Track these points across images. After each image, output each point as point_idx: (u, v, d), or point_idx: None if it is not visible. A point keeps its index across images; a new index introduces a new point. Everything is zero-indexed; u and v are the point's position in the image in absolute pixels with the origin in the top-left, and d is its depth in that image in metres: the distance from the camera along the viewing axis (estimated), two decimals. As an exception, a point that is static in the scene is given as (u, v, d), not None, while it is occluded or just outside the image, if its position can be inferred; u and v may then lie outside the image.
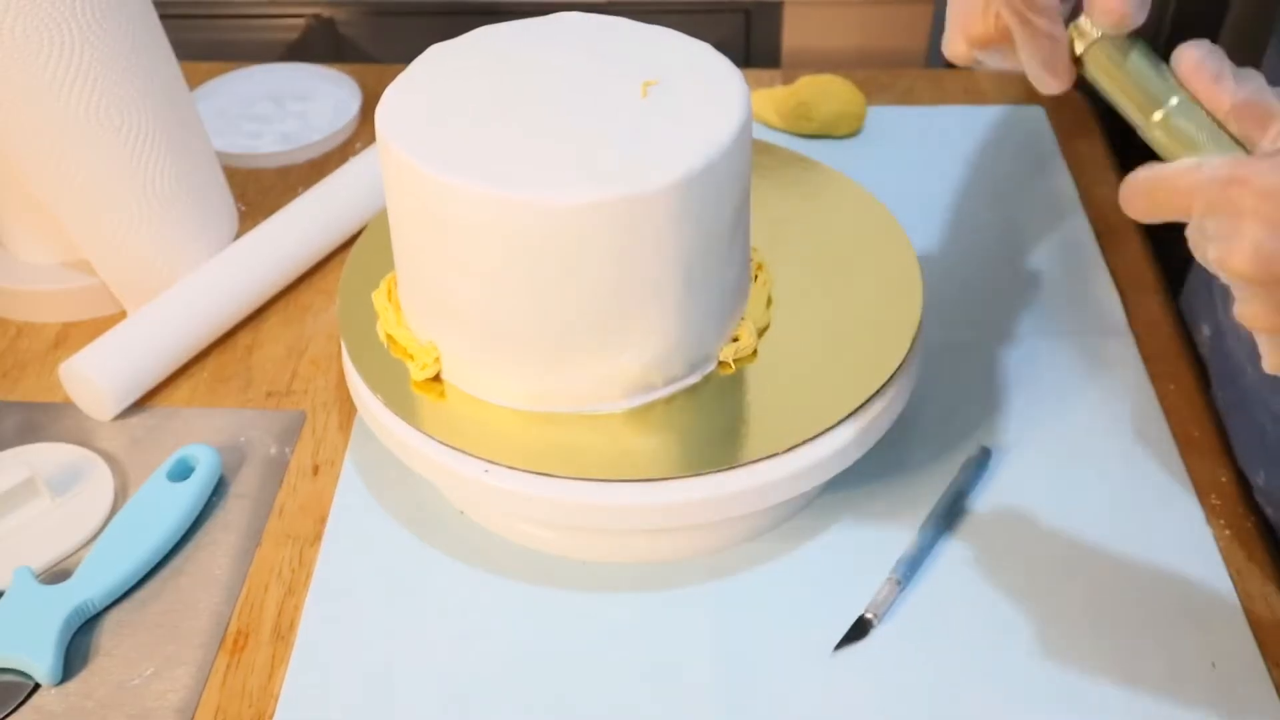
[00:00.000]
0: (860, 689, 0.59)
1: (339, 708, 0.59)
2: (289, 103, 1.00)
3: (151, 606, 0.64)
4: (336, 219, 0.85)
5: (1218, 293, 0.70)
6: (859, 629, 0.61)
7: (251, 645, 0.62)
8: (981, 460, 0.68)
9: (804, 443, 0.61)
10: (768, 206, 0.73)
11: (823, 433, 0.61)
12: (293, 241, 0.82)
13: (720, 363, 0.65)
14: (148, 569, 0.65)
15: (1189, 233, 0.45)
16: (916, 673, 0.60)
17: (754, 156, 0.63)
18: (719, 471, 0.60)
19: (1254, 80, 0.45)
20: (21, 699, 0.60)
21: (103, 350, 0.74)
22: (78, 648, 0.62)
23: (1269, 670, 0.59)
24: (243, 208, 0.89)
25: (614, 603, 0.63)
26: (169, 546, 0.66)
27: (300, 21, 1.16)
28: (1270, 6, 0.67)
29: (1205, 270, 0.45)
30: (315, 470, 0.71)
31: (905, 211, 0.78)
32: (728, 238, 0.61)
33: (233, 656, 0.62)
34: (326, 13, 1.16)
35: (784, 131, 0.96)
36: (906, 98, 1.00)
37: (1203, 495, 0.67)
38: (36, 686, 0.60)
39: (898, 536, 0.65)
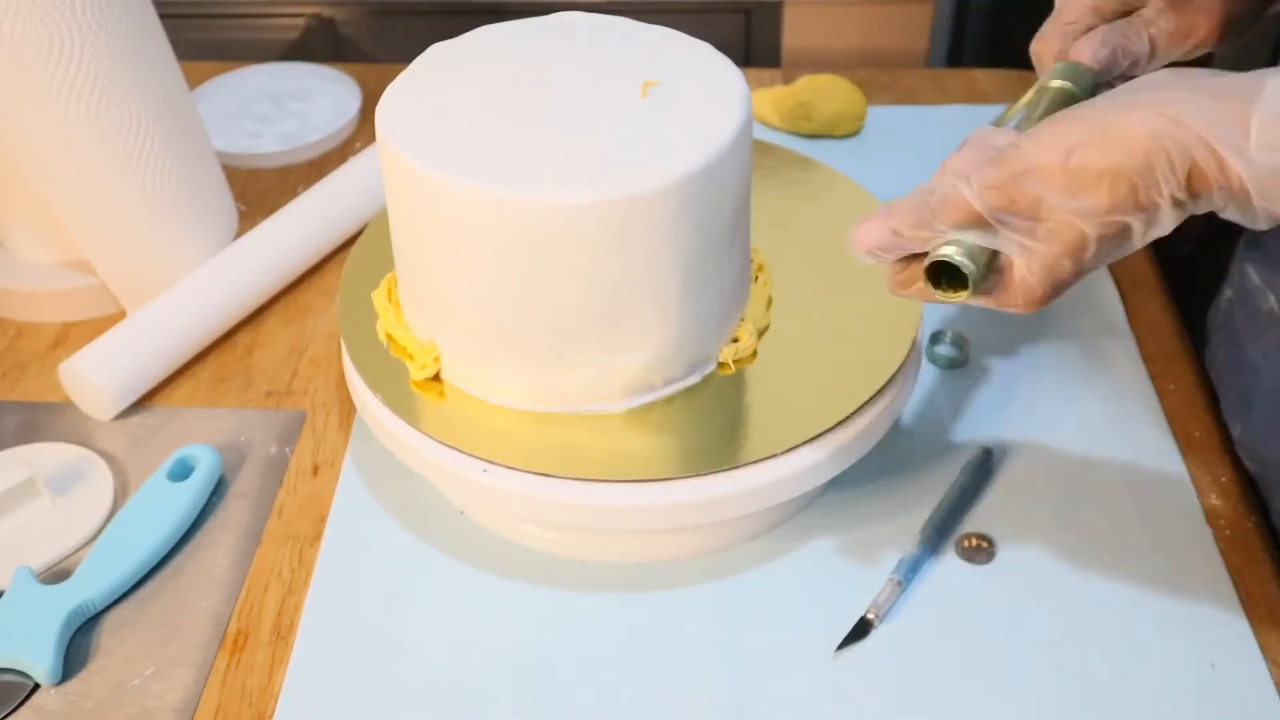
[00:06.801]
0: (861, 689, 0.59)
1: (339, 708, 0.59)
2: (289, 103, 1.00)
3: (151, 606, 0.64)
4: (336, 219, 0.85)
5: (1245, 257, 0.70)
6: (861, 629, 0.61)
7: (251, 645, 0.62)
8: (982, 460, 0.68)
9: (804, 443, 0.61)
10: (768, 207, 0.73)
11: (823, 433, 0.61)
12: (293, 241, 0.82)
13: (720, 363, 0.65)
14: (148, 569, 0.65)
15: None
16: (918, 673, 0.60)
17: (754, 156, 0.63)
18: (719, 472, 0.60)
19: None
20: (21, 699, 0.60)
21: (103, 350, 0.74)
22: (78, 648, 0.62)
23: (1269, 670, 0.59)
24: (243, 208, 0.89)
25: (614, 603, 0.63)
26: (169, 546, 0.66)
27: (300, 21, 1.17)
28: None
29: (1252, 239, 0.46)
30: (315, 470, 0.71)
31: (905, 211, 0.78)
32: (728, 238, 0.61)
33: (233, 656, 0.62)
34: (326, 13, 1.16)
35: (784, 131, 0.96)
36: (906, 98, 1.00)
37: (1203, 495, 0.67)
38: (36, 686, 0.60)
39: (898, 537, 0.65)
